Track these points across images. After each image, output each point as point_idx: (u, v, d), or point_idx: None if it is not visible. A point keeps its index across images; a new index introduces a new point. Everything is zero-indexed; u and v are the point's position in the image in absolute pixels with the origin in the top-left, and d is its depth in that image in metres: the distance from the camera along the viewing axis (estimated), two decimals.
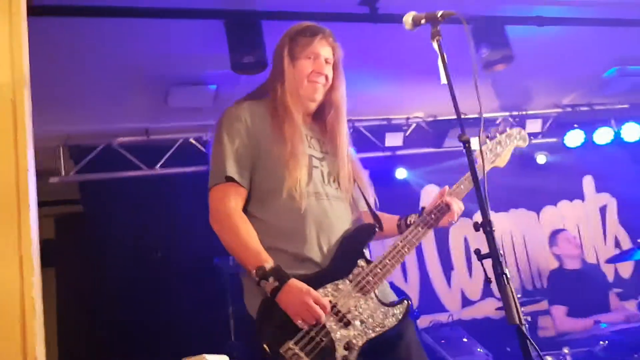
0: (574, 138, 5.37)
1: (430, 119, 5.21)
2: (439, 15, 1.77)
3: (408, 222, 1.92)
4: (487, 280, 1.50)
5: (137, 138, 4.57)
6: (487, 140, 2.07)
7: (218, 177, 1.81)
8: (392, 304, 1.76)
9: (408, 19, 1.85)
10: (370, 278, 1.74)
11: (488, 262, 1.51)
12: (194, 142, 4.70)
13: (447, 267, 5.06)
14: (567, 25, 4.02)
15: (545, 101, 5.35)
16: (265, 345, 1.63)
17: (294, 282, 1.67)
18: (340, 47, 1.98)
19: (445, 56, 1.78)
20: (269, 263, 1.69)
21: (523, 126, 5.24)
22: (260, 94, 1.98)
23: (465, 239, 5.12)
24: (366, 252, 1.82)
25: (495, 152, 2.06)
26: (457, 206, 1.88)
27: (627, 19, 4.03)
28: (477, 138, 1.81)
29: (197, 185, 4.55)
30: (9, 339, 1.49)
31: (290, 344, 1.62)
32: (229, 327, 4.10)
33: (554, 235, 4.80)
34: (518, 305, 1.42)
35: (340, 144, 1.94)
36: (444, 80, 1.80)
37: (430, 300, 4.86)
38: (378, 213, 1.99)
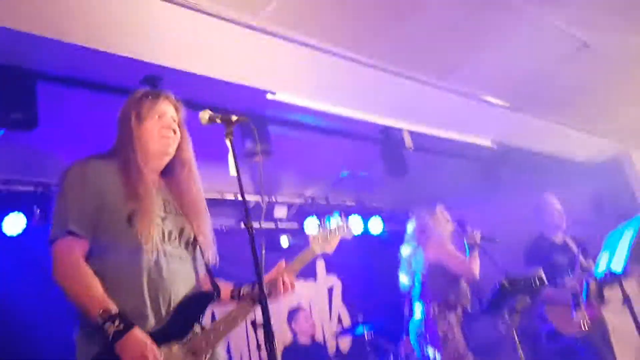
0: (312, 225, 5.85)
1: None
2: (233, 119, 2.09)
3: (241, 293, 2.08)
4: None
5: None
6: (320, 229, 2.38)
7: (60, 230, 1.83)
8: None
9: (205, 115, 2.11)
10: (203, 344, 1.86)
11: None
12: None
13: None
14: (312, 131, 4.68)
15: (291, 191, 5.98)
16: None
17: (138, 330, 1.70)
18: (182, 106, 2.14)
19: (234, 152, 2.09)
20: (115, 308, 1.72)
21: (272, 211, 5.86)
22: (108, 155, 2.04)
23: None
24: (202, 318, 1.93)
25: (326, 239, 2.36)
26: (291, 283, 2.11)
27: (355, 132, 4.89)
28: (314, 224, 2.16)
29: None
30: None
31: None
32: None
33: (293, 312, 5.30)
34: None
35: (192, 203, 2.06)
36: (233, 172, 2.09)
37: None
38: (219, 281, 2.09)
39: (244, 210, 1.95)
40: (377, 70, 3.58)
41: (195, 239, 2.04)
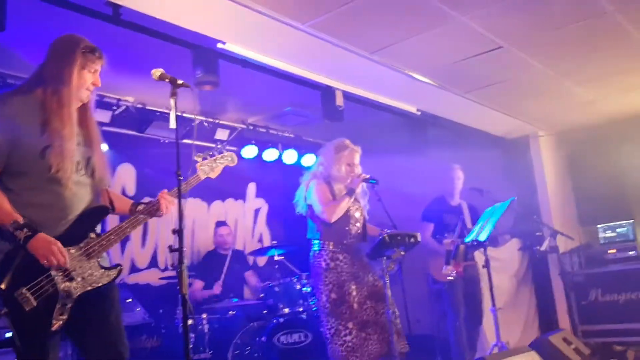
0: (249, 151, 6.47)
1: (139, 105, 5.59)
2: (178, 82, 2.60)
3: (137, 209, 2.57)
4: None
5: None
6: (208, 157, 2.84)
7: None
8: (108, 268, 2.40)
9: (157, 73, 2.60)
10: (96, 247, 2.35)
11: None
12: None
13: (125, 239, 5.73)
14: (260, 71, 5.07)
15: (235, 116, 6.38)
16: (1, 286, 2.13)
17: (42, 234, 2.19)
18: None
19: (176, 109, 2.61)
20: (22, 219, 2.19)
21: (214, 133, 6.33)
22: (27, 88, 2.39)
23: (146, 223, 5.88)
24: (97, 227, 2.42)
25: (211, 167, 2.83)
26: (167, 206, 2.57)
27: (299, 78, 5.30)
28: (200, 155, 2.69)
29: None
30: None
31: (23, 289, 2.15)
32: None
33: (218, 225, 5.95)
34: (186, 280, 2.33)
35: (95, 136, 2.49)
36: (172, 125, 2.62)
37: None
38: (115, 195, 2.60)
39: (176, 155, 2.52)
40: (319, 39, 4.05)
41: (95, 166, 2.46)
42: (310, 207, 4.14)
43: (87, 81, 2.43)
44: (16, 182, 2.29)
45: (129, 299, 4.66)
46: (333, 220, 3.97)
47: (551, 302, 6.66)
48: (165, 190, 2.62)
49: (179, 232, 2.36)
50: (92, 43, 2.51)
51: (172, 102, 2.56)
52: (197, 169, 2.75)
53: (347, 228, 4.08)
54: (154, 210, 2.57)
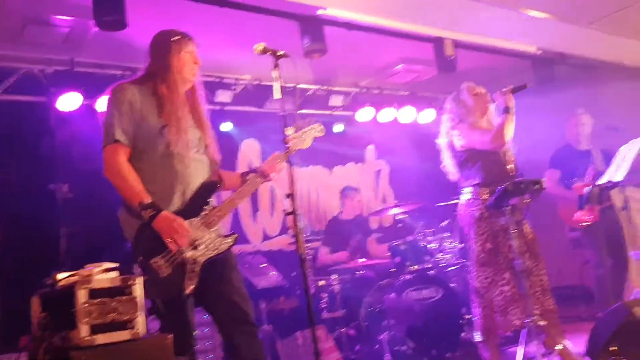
0: (364, 114, 6.45)
1: (256, 82, 5.84)
2: (279, 53, 2.68)
3: (247, 179, 2.75)
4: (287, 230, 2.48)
5: None
6: (296, 131, 2.94)
7: (109, 139, 2.50)
8: (226, 236, 2.63)
9: (259, 47, 2.71)
10: (214, 217, 2.58)
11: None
12: (37, 73, 4.90)
13: (254, 208, 6.12)
14: (367, 31, 5.08)
15: (347, 81, 6.40)
16: (140, 258, 2.42)
17: (166, 212, 2.44)
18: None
19: (281, 80, 2.70)
20: (148, 199, 2.43)
21: (328, 100, 6.43)
22: (147, 77, 2.65)
23: (272, 188, 6.21)
24: (211, 200, 2.63)
25: (301, 139, 2.94)
26: (271, 169, 2.75)
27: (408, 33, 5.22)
28: (291, 128, 2.80)
29: (37, 114, 4.83)
30: None
31: (157, 258, 2.42)
32: (58, 246, 4.56)
33: (347, 190, 5.95)
34: (303, 241, 2.44)
35: (203, 117, 2.72)
36: (277, 95, 2.72)
37: (238, 234, 5.82)
38: (225, 173, 2.81)
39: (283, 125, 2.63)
40: None
41: (207, 145, 2.69)
42: (458, 154, 3.93)
43: (186, 62, 2.66)
44: (140, 161, 2.54)
45: (263, 264, 4.94)
46: (504, 141, 3.68)
47: None
48: (276, 153, 2.79)
49: (291, 195, 2.46)
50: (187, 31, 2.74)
51: (274, 73, 2.65)
52: (288, 142, 2.85)
53: (501, 170, 3.82)
54: (262, 176, 2.75)
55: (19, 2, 4.02)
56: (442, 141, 4.08)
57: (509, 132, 3.68)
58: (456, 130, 3.93)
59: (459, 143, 3.91)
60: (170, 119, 2.54)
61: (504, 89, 3.72)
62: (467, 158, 3.90)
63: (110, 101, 2.57)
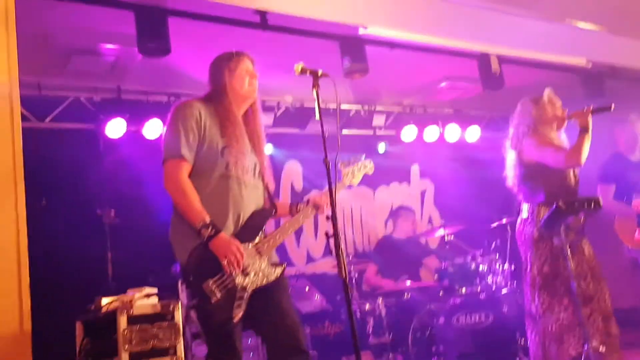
0: (409, 133, 6.43)
1: (298, 104, 5.87)
2: (319, 73, 2.63)
3: (298, 209, 2.75)
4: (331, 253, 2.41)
5: (28, 92, 4.80)
6: (350, 167, 2.97)
7: (174, 153, 2.47)
8: (275, 265, 2.58)
9: (298, 68, 2.67)
10: (266, 245, 2.54)
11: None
12: (84, 101, 5.07)
13: (298, 230, 6.05)
14: (409, 50, 5.02)
15: (390, 100, 6.38)
16: (191, 279, 2.37)
17: (224, 234, 2.40)
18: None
19: (320, 100, 2.65)
20: (208, 218, 2.40)
21: (371, 119, 6.38)
22: (208, 98, 2.65)
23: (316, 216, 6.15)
24: (265, 227, 2.61)
25: (353, 174, 2.97)
26: (321, 204, 2.75)
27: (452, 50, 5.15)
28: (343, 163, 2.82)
29: (84, 140, 4.95)
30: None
31: (210, 282, 2.37)
32: (107, 271, 4.66)
33: (400, 210, 5.87)
34: (345, 264, 2.36)
35: (260, 141, 2.70)
36: (317, 117, 2.66)
37: (282, 257, 5.80)
38: (278, 201, 2.79)
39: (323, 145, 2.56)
40: (469, 7, 3.81)
41: (261, 172, 2.68)
42: (524, 166, 3.72)
43: (242, 78, 2.64)
44: (198, 180, 2.51)
45: (307, 287, 4.87)
46: (580, 162, 3.49)
47: None
48: (326, 189, 2.66)
49: (332, 218, 2.39)
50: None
51: (314, 93, 2.60)
52: (341, 177, 2.90)
53: (567, 190, 3.64)
54: (315, 208, 2.76)
55: (66, 32, 4.14)
56: (508, 146, 3.87)
57: (585, 153, 3.49)
58: (528, 140, 3.70)
59: (528, 155, 3.69)
60: (231, 141, 2.53)
61: (585, 108, 3.55)
62: (533, 173, 3.69)
63: (174, 116, 2.55)
